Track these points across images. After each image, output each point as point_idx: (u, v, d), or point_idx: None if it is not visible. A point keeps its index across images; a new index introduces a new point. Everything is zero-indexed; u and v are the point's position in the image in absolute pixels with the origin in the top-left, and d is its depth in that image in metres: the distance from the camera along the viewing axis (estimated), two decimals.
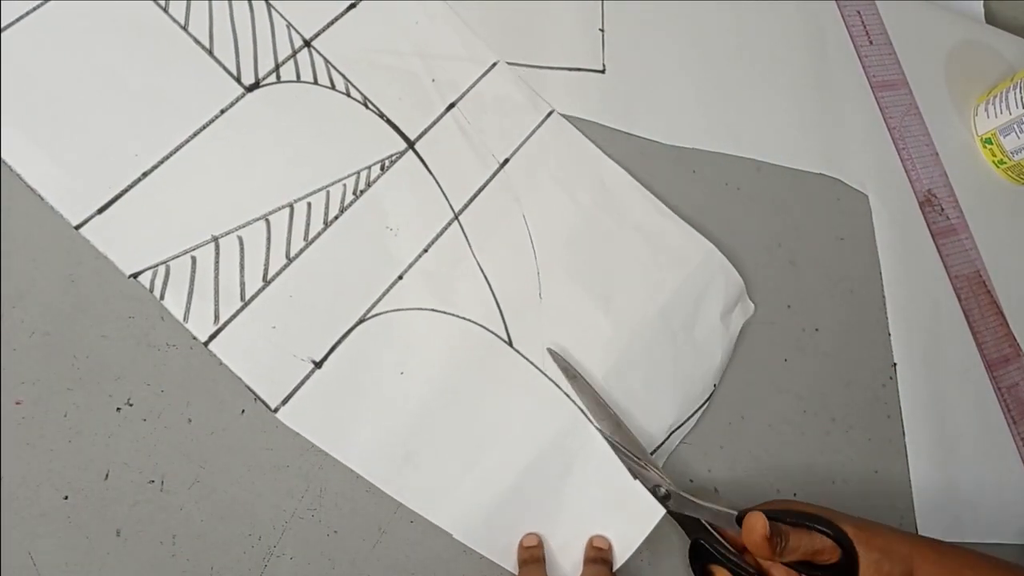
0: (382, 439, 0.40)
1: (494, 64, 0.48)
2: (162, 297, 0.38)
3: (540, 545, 0.40)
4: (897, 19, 0.63)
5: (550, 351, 0.43)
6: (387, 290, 0.42)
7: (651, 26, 0.54)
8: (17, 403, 0.35)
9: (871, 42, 0.61)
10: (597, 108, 0.50)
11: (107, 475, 0.35)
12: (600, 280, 0.46)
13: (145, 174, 0.39)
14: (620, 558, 0.41)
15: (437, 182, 0.45)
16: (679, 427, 0.46)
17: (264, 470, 0.38)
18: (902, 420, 0.52)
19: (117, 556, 0.35)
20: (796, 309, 0.51)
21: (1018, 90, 0.59)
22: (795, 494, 0.48)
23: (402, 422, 0.40)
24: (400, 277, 0.42)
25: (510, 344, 0.43)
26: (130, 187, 0.39)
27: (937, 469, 0.51)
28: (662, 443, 0.45)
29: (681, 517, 0.42)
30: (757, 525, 0.35)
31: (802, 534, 0.36)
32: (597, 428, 0.42)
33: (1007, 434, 0.54)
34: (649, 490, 0.41)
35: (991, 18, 0.68)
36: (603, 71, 0.51)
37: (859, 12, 0.62)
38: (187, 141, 0.40)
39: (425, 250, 0.43)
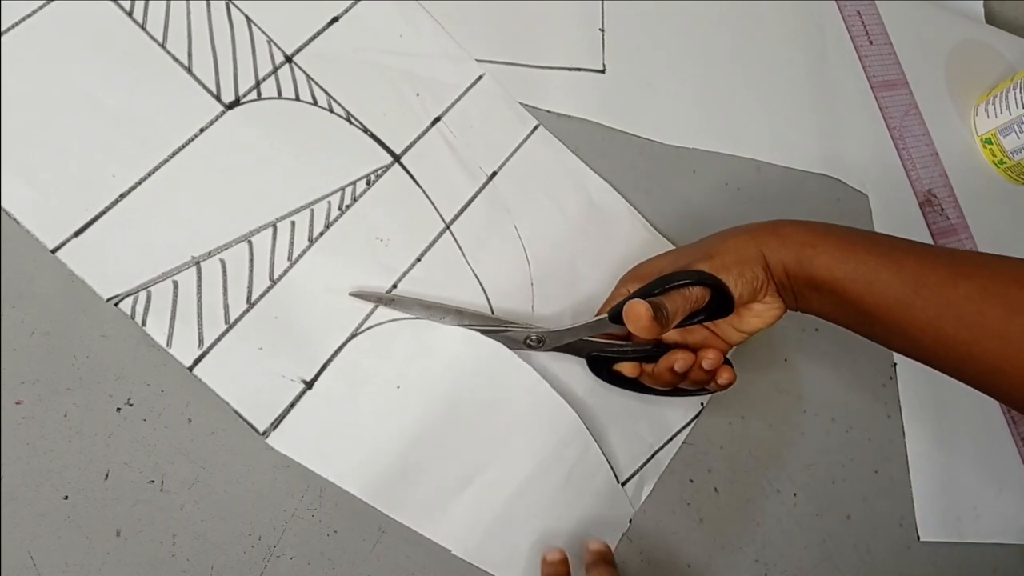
0: (378, 458, 0.39)
1: (480, 77, 0.48)
2: (144, 323, 0.37)
3: (565, 561, 0.39)
4: (897, 19, 0.63)
5: (352, 294, 0.40)
6: (377, 302, 0.41)
7: (651, 26, 0.54)
8: (17, 403, 0.35)
9: (871, 42, 0.61)
10: (597, 108, 0.50)
11: (107, 475, 0.35)
12: (588, 296, 0.46)
13: (123, 195, 0.38)
14: None
15: (426, 194, 0.44)
16: (661, 448, 0.45)
17: (264, 470, 0.38)
18: (902, 420, 0.52)
19: (117, 556, 0.35)
20: None
21: (1018, 90, 0.59)
22: (795, 494, 0.48)
23: (399, 438, 0.40)
24: (394, 286, 0.42)
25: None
26: (107, 209, 0.38)
27: (937, 469, 0.51)
28: (645, 463, 0.44)
29: (565, 347, 0.42)
30: (640, 312, 0.34)
31: (675, 296, 0.36)
32: (464, 326, 0.41)
33: (1007, 434, 0.54)
34: (521, 342, 0.41)
35: (991, 18, 0.68)
36: (603, 71, 0.51)
37: (859, 12, 0.62)
38: (166, 161, 0.39)
39: (419, 259, 0.43)
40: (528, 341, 0.41)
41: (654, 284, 0.37)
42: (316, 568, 0.38)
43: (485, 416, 0.41)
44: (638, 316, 0.34)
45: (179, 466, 0.36)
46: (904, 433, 0.51)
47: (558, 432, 0.41)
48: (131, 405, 0.36)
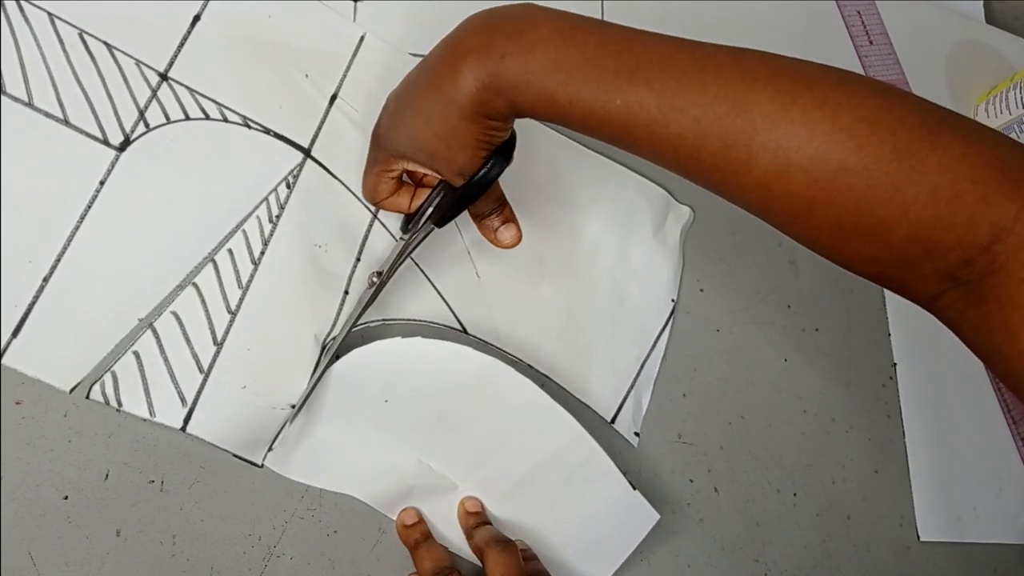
0: (370, 465, 0.39)
1: (363, 37, 0.44)
2: (120, 405, 0.35)
3: (422, 520, 0.39)
4: (897, 19, 0.63)
5: (270, 470, 0.38)
6: (340, 308, 0.40)
7: (651, 26, 0.54)
8: (17, 403, 0.35)
9: (871, 42, 0.61)
10: None
11: (107, 475, 0.35)
12: (528, 243, 0.43)
13: (47, 279, 0.35)
14: (618, 560, 0.41)
15: (345, 185, 0.41)
16: (649, 355, 0.46)
17: (264, 470, 0.38)
18: (902, 420, 0.52)
19: (117, 556, 0.35)
20: (796, 309, 0.51)
21: (1018, 90, 0.59)
22: (795, 494, 0.48)
23: (388, 447, 0.39)
24: (346, 292, 0.40)
25: (464, 331, 0.42)
26: (37, 298, 0.35)
27: (937, 469, 0.51)
28: (637, 374, 0.45)
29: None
30: (517, 242, 0.38)
31: (497, 194, 0.38)
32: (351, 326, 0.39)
33: (1007, 434, 0.54)
34: (366, 282, 0.39)
35: (991, 18, 0.68)
36: None
37: (859, 12, 0.62)
38: (77, 228, 0.36)
39: (358, 259, 0.41)
40: (372, 279, 0.39)
41: (469, 197, 0.35)
42: (316, 568, 0.38)
43: (477, 425, 0.40)
44: (517, 246, 0.38)
45: (179, 466, 0.36)
46: (904, 433, 0.51)
47: (556, 439, 0.40)
48: None
